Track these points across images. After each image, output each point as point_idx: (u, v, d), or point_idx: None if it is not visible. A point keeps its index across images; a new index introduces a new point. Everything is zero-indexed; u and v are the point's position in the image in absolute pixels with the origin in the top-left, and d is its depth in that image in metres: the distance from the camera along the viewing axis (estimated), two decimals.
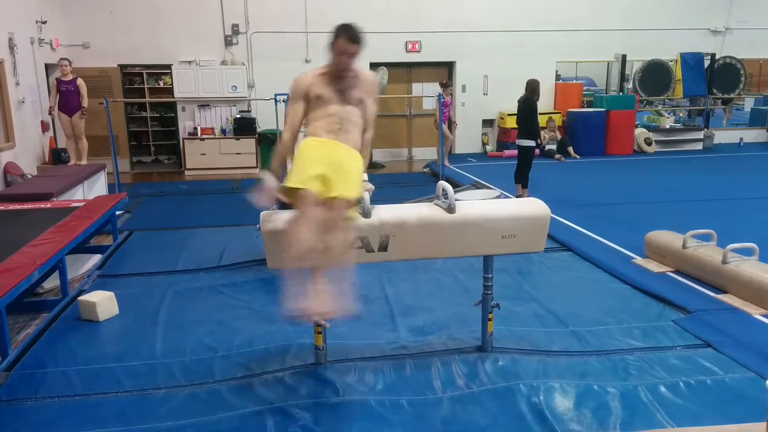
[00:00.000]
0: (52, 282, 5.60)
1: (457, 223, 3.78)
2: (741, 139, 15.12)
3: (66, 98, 9.94)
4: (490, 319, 4.12)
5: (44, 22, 10.75)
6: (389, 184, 10.38)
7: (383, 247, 3.70)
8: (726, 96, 15.19)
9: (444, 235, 3.79)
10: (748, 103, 17.94)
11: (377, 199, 3.78)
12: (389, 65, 12.73)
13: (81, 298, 4.92)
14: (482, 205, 4.12)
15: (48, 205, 6.65)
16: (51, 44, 11.15)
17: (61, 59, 10.09)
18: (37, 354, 4.28)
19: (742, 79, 14.85)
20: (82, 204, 6.69)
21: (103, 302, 4.86)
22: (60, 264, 5.20)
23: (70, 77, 9.97)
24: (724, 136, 15.18)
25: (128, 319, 4.89)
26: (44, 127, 10.89)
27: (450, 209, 3.77)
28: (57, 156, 10.47)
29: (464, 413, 3.47)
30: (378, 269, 5.75)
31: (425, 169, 12.28)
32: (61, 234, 5.39)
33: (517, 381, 3.76)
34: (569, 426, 3.31)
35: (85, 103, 10.05)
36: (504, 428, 3.31)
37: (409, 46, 13.33)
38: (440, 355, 4.12)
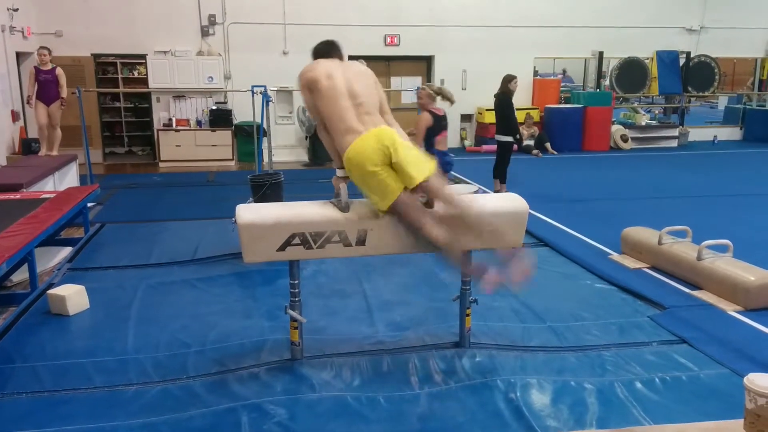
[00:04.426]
0: (21, 275, 5.48)
1: None
2: (715, 136, 15.32)
3: (44, 87, 9.74)
4: (468, 315, 4.11)
5: (16, 10, 10.51)
6: None
7: (361, 242, 3.68)
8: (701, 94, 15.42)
9: None
10: (722, 102, 18.18)
11: (354, 193, 3.74)
12: (368, 59, 12.60)
13: (50, 291, 4.81)
14: None
15: (17, 196, 6.50)
16: (23, 32, 10.92)
17: (40, 48, 9.87)
18: (4, 349, 4.17)
19: (717, 77, 15.03)
20: (52, 195, 6.56)
21: (74, 296, 4.76)
22: (29, 256, 5.07)
23: (49, 66, 9.77)
24: (698, 134, 15.37)
25: (99, 313, 4.79)
26: (14, 116, 10.67)
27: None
28: (27, 146, 10.26)
29: (441, 409, 3.44)
30: (355, 264, 5.72)
31: None
32: (30, 226, 5.27)
33: (495, 377, 3.75)
34: (546, 422, 3.31)
35: (64, 93, 9.85)
36: (481, 424, 3.30)
37: (388, 40, 13.28)
38: (417, 351, 4.09)
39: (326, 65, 3.70)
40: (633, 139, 14.31)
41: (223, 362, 3.97)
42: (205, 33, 12.58)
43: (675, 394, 3.61)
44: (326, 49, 3.89)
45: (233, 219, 3.65)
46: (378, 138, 3.50)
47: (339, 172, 3.78)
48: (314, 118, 3.80)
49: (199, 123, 12.42)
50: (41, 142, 9.98)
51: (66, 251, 6.42)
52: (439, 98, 6.42)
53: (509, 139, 8.71)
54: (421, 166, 3.51)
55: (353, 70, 3.75)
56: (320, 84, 3.61)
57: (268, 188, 6.09)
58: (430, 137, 6.32)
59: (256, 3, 12.61)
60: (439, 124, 6.37)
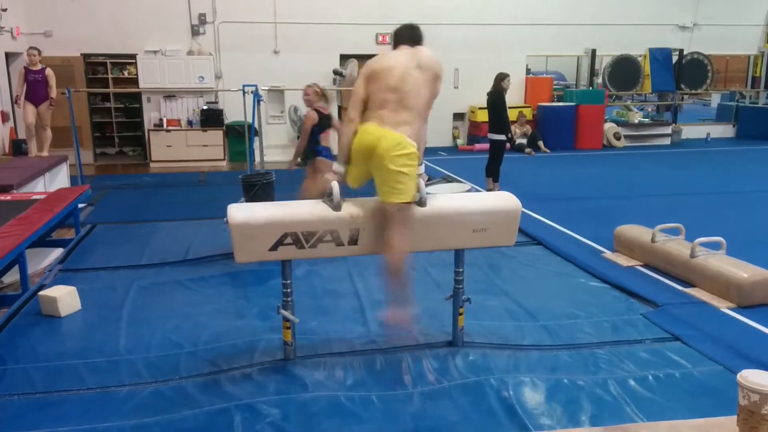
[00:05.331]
0: (12, 276, 5.45)
1: (428, 217, 3.75)
2: (708, 134, 15.36)
3: (33, 88, 9.68)
4: (461, 314, 4.10)
5: (4, 10, 10.45)
6: None
7: (353, 241, 3.67)
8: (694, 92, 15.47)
9: (414, 229, 3.75)
10: (715, 99, 18.22)
11: (348, 192, 3.72)
12: (360, 57, 12.64)
13: (42, 293, 4.78)
14: (453, 198, 4.10)
15: (8, 198, 6.46)
16: (11, 32, 10.85)
17: (30, 48, 9.81)
18: None
19: (710, 75, 15.05)
20: (43, 196, 6.52)
21: (65, 297, 4.73)
22: (20, 258, 5.04)
23: (38, 67, 9.71)
24: (691, 132, 15.40)
25: (91, 314, 4.77)
26: (4, 117, 10.61)
27: (421, 203, 3.75)
28: (17, 147, 10.21)
29: (435, 408, 3.43)
30: (348, 263, 5.70)
31: None
32: (21, 227, 5.23)
33: (488, 376, 3.74)
34: (539, 420, 3.30)
35: (53, 93, 9.80)
36: (475, 423, 3.29)
37: (380, 38, 13.25)
38: (411, 350, 4.08)
39: (391, 60, 3.79)
40: (626, 137, 14.34)
41: (215, 363, 3.95)
42: (195, 32, 12.53)
43: (668, 391, 3.61)
44: (405, 34, 3.99)
45: (225, 219, 3.63)
46: (377, 138, 3.61)
47: (335, 166, 3.80)
48: (352, 107, 3.83)
49: (190, 123, 12.37)
50: (29, 142, 9.92)
51: (57, 252, 6.39)
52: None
53: (502, 137, 8.70)
54: (392, 192, 3.63)
55: (414, 63, 3.75)
56: (380, 75, 3.72)
57: (259, 188, 6.07)
58: (315, 135, 6.48)
59: (246, 2, 12.56)
60: (324, 122, 6.55)
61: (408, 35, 3.97)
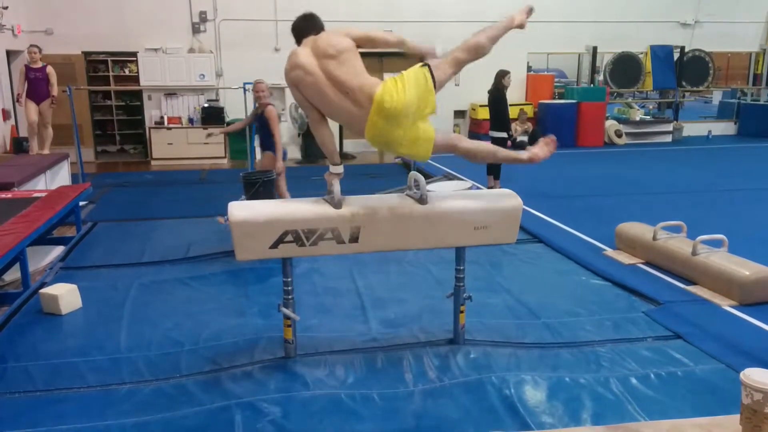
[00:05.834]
0: (13, 274, 5.45)
1: (428, 215, 3.74)
2: (709, 131, 15.34)
3: (34, 86, 9.69)
4: (462, 312, 4.09)
5: (5, 8, 10.45)
6: (360, 175, 10.30)
7: (354, 239, 3.65)
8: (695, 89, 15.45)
9: (415, 227, 3.75)
10: (717, 96, 18.18)
11: (348, 190, 3.71)
12: (360, 55, 12.62)
13: (43, 290, 4.78)
14: (454, 196, 4.09)
15: (9, 195, 6.46)
16: (12, 30, 10.86)
17: (31, 46, 9.81)
18: None
19: (711, 72, 15.02)
20: (44, 194, 6.53)
21: (66, 295, 4.73)
22: (21, 255, 5.04)
23: (39, 65, 9.71)
24: (692, 129, 15.37)
25: (92, 312, 4.77)
26: (5, 115, 10.60)
27: (422, 200, 3.74)
28: (18, 145, 10.21)
29: (436, 406, 3.43)
30: (349, 261, 5.69)
31: (396, 160, 12.22)
32: (22, 225, 5.23)
33: (489, 373, 3.74)
34: (541, 419, 3.30)
35: (54, 91, 9.80)
36: (476, 421, 3.28)
37: None
38: (412, 348, 4.08)
39: (303, 59, 3.63)
40: (627, 134, 14.31)
41: (216, 360, 3.95)
42: (196, 30, 12.52)
43: (670, 389, 3.60)
44: (304, 26, 3.87)
45: (225, 218, 3.61)
46: (382, 115, 3.43)
47: (332, 168, 3.76)
48: (306, 113, 3.74)
49: (190, 120, 12.37)
50: (30, 140, 9.93)
51: (58, 250, 6.39)
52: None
53: (503, 135, 8.69)
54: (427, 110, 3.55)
55: (329, 48, 3.63)
56: (304, 82, 3.58)
57: (260, 186, 6.06)
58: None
59: None
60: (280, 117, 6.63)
61: (310, 26, 3.86)
